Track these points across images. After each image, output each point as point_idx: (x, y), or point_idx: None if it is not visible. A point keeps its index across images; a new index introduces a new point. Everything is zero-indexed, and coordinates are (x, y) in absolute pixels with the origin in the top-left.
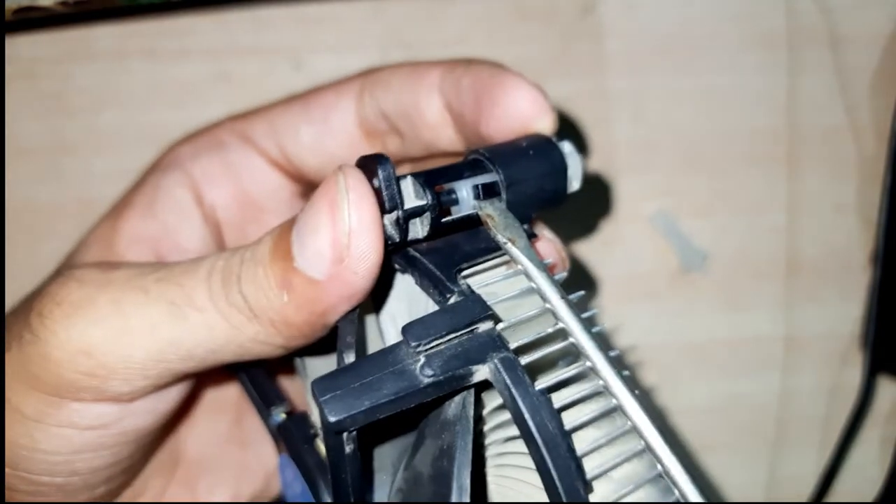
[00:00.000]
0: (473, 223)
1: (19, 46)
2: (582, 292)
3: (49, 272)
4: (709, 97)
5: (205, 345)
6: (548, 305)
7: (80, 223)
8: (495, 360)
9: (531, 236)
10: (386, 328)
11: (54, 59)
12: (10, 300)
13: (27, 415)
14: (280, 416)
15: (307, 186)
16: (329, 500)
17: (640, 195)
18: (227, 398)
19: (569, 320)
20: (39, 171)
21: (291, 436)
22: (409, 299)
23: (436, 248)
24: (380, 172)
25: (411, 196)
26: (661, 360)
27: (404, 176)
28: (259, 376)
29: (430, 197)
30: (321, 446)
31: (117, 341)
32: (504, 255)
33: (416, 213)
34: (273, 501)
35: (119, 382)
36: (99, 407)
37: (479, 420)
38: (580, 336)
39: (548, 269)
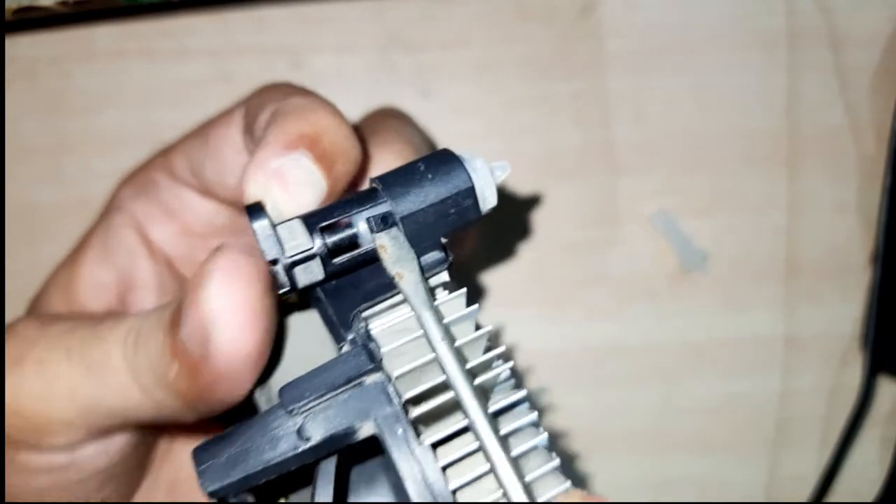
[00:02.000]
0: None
1: (19, 46)
2: (474, 308)
3: (48, 272)
4: (709, 97)
5: (120, 406)
6: (432, 352)
7: (80, 223)
8: (377, 418)
9: (443, 261)
10: None
11: (54, 59)
12: (10, 300)
13: None
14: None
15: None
16: None
17: (640, 195)
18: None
19: (449, 368)
20: (39, 171)
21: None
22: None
23: (340, 288)
24: (255, 221)
25: (297, 241)
26: (661, 360)
27: (289, 220)
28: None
29: (315, 240)
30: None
31: (41, 402)
32: None
33: (305, 259)
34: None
35: (51, 436)
36: (44, 456)
37: None
38: (459, 388)
39: (436, 308)
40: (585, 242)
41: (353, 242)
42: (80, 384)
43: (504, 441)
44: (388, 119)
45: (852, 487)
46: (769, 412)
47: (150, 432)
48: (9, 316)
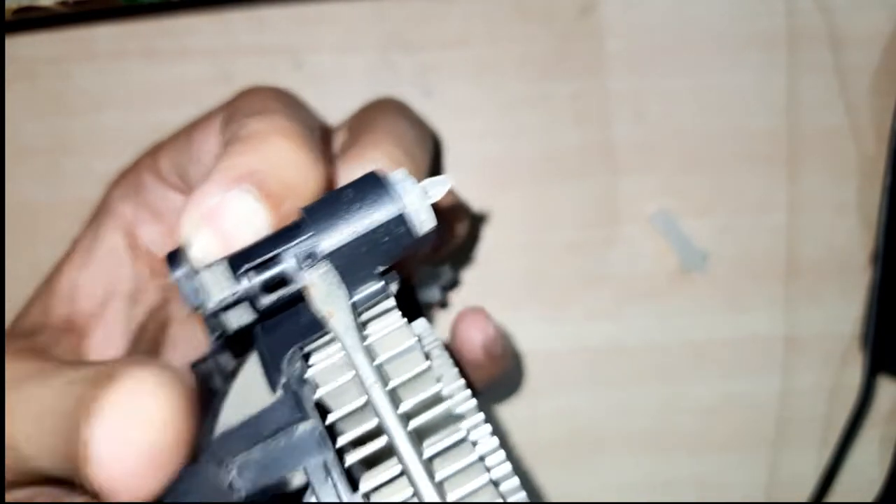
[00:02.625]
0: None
1: (19, 46)
2: (412, 343)
3: (49, 272)
4: (709, 97)
5: (34, 458)
6: (359, 399)
7: (80, 223)
8: (307, 468)
9: (381, 291)
10: None
11: (54, 59)
12: (10, 300)
13: None
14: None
15: None
16: None
17: (640, 195)
18: None
19: (382, 412)
20: (39, 171)
21: None
22: None
23: (277, 324)
24: (175, 269)
25: (222, 286)
26: (661, 360)
27: (212, 264)
28: None
29: (242, 282)
30: None
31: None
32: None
33: (229, 304)
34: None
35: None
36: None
37: None
38: (392, 434)
39: (368, 348)
40: (585, 242)
41: (282, 280)
42: (24, 427)
43: (441, 486)
44: (382, 114)
45: (852, 487)
46: (769, 412)
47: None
48: (9, 316)
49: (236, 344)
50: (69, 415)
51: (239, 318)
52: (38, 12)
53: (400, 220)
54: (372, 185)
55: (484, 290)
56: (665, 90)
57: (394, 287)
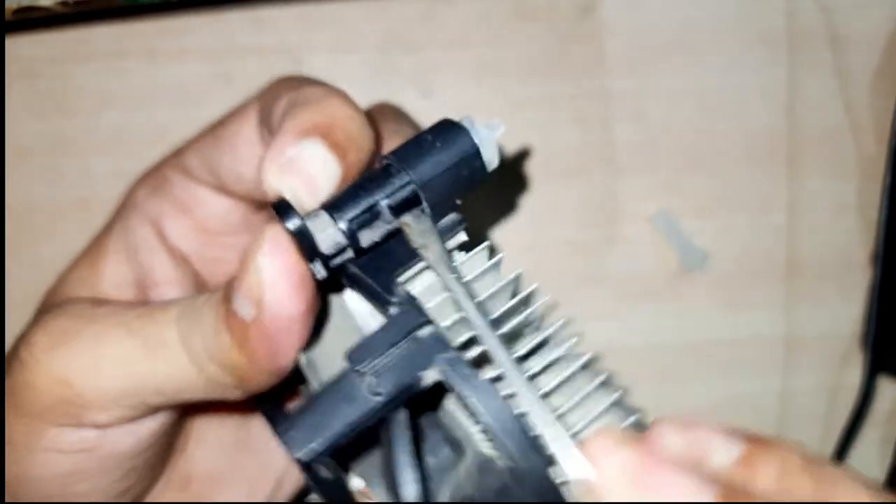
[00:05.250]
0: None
1: (19, 46)
2: (496, 259)
3: (49, 272)
4: (709, 97)
5: (173, 382)
6: (461, 312)
7: (80, 223)
8: (439, 363)
9: (460, 222)
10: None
11: (54, 59)
12: (10, 300)
13: (14, 441)
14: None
15: (258, 204)
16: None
17: (640, 195)
18: (231, 411)
19: (477, 325)
20: (39, 171)
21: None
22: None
23: (372, 261)
24: (286, 220)
25: (324, 239)
26: (662, 360)
27: (316, 212)
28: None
29: (341, 226)
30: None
31: (95, 373)
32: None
33: (337, 251)
34: (293, 502)
35: (95, 411)
36: (78, 432)
37: None
38: (489, 343)
39: (458, 272)
40: (585, 242)
41: (376, 221)
42: (136, 360)
43: (532, 382)
44: (386, 116)
45: None
46: (769, 412)
47: (179, 420)
48: (9, 316)
49: (326, 286)
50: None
51: (339, 259)
52: (38, 12)
53: (476, 154)
54: (448, 128)
55: None
56: (665, 90)
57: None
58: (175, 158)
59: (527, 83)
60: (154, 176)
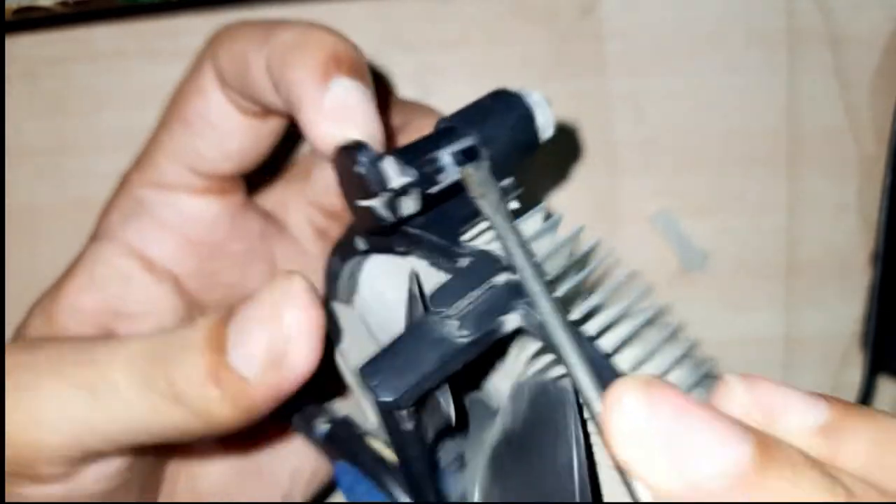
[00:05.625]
0: (460, 189)
1: (19, 46)
2: (555, 218)
3: (49, 272)
4: (709, 97)
5: (120, 427)
6: (515, 262)
7: (80, 223)
8: (523, 305)
9: (516, 188)
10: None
11: (54, 59)
12: (10, 300)
13: None
14: (323, 426)
15: (245, 195)
16: (398, 492)
17: (640, 195)
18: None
19: (527, 277)
20: (39, 171)
21: (342, 441)
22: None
23: (433, 221)
24: (360, 158)
25: (396, 174)
26: None
27: (384, 156)
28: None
29: (414, 172)
30: (373, 443)
31: (32, 429)
32: None
33: (404, 190)
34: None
35: (43, 466)
36: (42, 488)
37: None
38: (538, 296)
39: (516, 224)
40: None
41: (440, 174)
42: (72, 407)
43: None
44: (415, 105)
45: None
46: None
47: (154, 453)
48: (9, 316)
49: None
50: (170, 360)
51: (406, 207)
52: (38, 12)
53: (530, 119)
54: (505, 94)
55: None
56: (665, 90)
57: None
58: (139, 173)
59: (527, 83)
60: (122, 199)
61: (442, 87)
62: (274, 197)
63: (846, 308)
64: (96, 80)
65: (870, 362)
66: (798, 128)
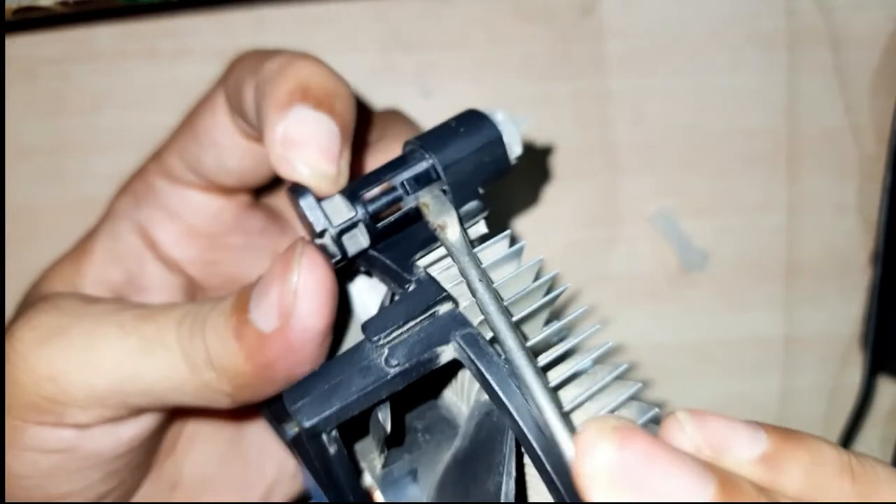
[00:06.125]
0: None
1: (19, 46)
2: (517, 247)
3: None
4: (709, 97)
5: (164, 383)
6: (473, 293)
7: (80, 223)
8: (457, 339)
9: (481, 210)
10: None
11: (54, 59)
12: (10, 300)
13: None
14: (293, 430)
15: (251, 195)
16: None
17: (640, 195)
18: (225, 417)
19: (487, 307)
20: (39, 171)
21: (303, 447)
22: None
23: (393, 244)
24: (300, 200)
25: (339, 215)
26: (661, 360)
27: (327, 197)
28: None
29: (358, 209)
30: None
31: (82, 370)
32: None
33: (349, 227)
34: (293, 502)
35: (77, 410)
36: (57, 432)
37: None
38: (498, 326)
39: (475, 255)
40: (585, 242)
41: (395, 204)
42: (127, 358)
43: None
44: (392, 118)
45: None
46: (769, 412)
47: (165, 425)
48: (9, 315)
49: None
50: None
51: (355, 243)
52: (38, 12)
53: (500, 142)
54: (474, 116)
55: None
56: (665, 90)
57: (488, 208)
58: (156, 163)
59: (527, 83)
60: (137, 183)
61: (442, 87)
62: (283, 197)
63: (846, 308)
64: (96, 80)
65: (870, 362)
66: (798, 128)
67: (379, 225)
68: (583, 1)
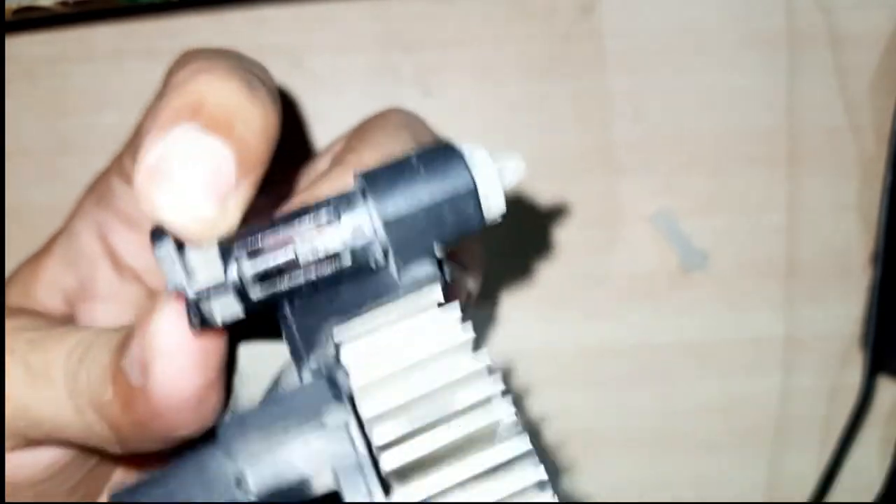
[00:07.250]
0: (359, 269)
1: (19, 46)
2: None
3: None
4: (709, 97)
5: (49, 418)
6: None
7: None
8: (336, 467)
9: (434, 276)
10: None
11: (54, 59)
12: None
13: None
14: None
15: None
16: None
17: (640, 195)
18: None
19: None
20: (39, 171)
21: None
22: None
23: (313, 302)
24: (156, 248)
25: (207, 270)
26: (661, 360)
27: (206, 246)
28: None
29: (231, 269)
30: None
31: None
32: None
33: (215, 291)
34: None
35: None
36: None
37: None
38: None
39: (407, 338)
40: (585, 242)
41: (290, 265)
42: (13, 389)
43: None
44: (381, 119)
45: (852, 487)
46: (769, 412)
47: (92, 456)
48: None
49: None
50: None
51: (225, 310)
52: (38, 12)
53: (470, 197)
54: (442, 154)
55: (484, 291)
56: (665, 90)
57: (448, 273)
58: (116, 163)
59: (527, 83)
60: (100, 183)
61: (442, 87)
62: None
63: (846, 308)
64: (96, 80)
65: (870, 362)
66: (798, 128)
67: (263, 291)
68: (583, 0)
